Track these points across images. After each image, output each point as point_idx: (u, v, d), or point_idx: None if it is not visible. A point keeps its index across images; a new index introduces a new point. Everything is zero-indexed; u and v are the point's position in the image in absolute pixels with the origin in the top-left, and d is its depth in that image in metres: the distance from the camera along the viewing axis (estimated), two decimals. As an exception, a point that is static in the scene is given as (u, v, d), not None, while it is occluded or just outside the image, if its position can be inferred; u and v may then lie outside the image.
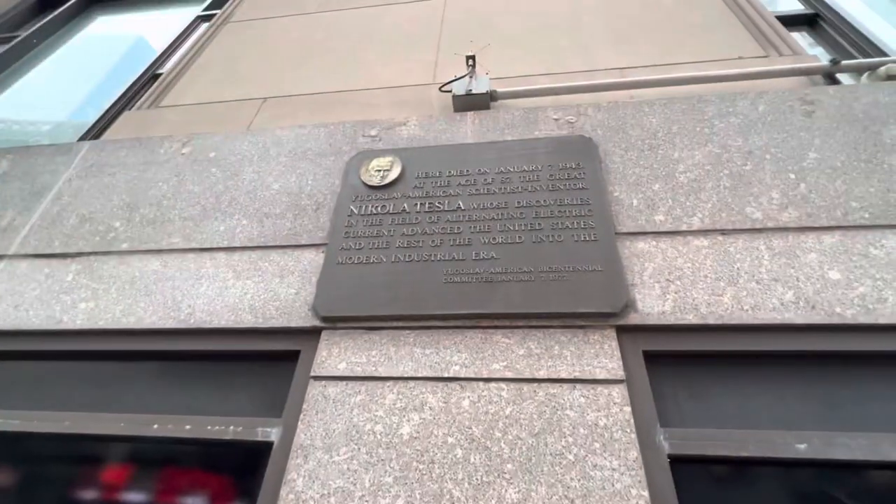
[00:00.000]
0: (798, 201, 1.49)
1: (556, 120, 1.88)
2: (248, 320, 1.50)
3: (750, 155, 1.63)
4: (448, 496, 1.09)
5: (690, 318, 1.30)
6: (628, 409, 1.16)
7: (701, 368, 1.29)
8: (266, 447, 1.28)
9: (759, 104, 1.77)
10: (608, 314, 1.31)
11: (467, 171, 1.73)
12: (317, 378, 1.33)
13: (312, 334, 1.45)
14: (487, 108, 2.04)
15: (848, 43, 2.33)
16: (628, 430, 1.13)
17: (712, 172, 1.61)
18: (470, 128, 1.92)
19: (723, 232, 1.47)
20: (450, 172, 1.74)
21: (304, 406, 1.29)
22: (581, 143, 1.74)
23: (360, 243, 1.59)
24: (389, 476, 1.14)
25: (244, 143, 2.07)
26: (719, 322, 1.28)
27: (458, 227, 1.58)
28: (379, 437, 1.21)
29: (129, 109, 2.68)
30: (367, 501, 1.11)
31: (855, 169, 1.54)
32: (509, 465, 1.12)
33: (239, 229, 1.76)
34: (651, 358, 1.28)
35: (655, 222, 1.52)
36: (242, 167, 1.98)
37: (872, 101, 1.70)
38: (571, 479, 1.08)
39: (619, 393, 1.20)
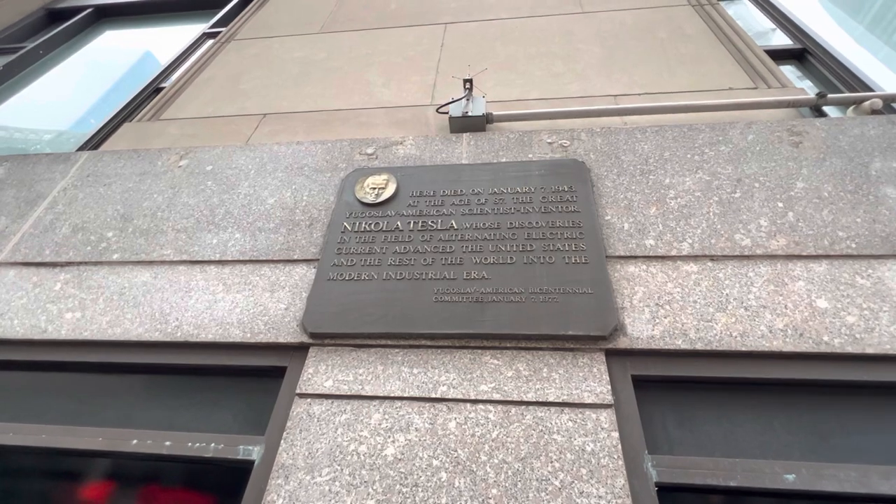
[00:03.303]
0: (786, 229, 1.51)
1: (549, 143, 1.91)
2: (235, 335, 1.49)
3: (739, 183, 1.66)
4: (431, 521, 1.06)
5: (679, 344, 1.30)
6: (616, 434, 1.15)
7: (689, 394, 1.28)
8: (247, 466, 1.25)
9: (749, 134, 1.81)
10: (597, 337, 1.31)
11: (461, 191, 1.75)
12: (302, 395, 1.31)
13: (300, 350, 1.44)
14: (483, 129, 2.08)
15: (834, 77, 2.40)
16: (616, 457, 1.12)
17: (702, 199, 1.63)
18: (465, 149, 1.95)
19: (712, 258, 1.48)
20: (444, 192, 1.76)
21: (288, 424, 1.26)
22: (574, 166, 1.77)
23: (352, 260, 1.59)
24: (372, 499, 1.11)
25: (241, 158, 2.09)
26: (708, 348, 1.28)
27: (451, 247, 1.58)
28: (363, 458, 1.18)
29: (130, 121, 2.71)
30: (347, 525, 1.08)
31: (841, 199, 1.57)
32: (494, 491, 1.09)
33: (231, 242, 1.76)
34: (640, 383, 1.28)
35: (646, 247, 1.53)
36: (238, 181, 1.99)
37: (858, 134, 1.75)
38: (557, 506, 1.06)
39: (606, 418, 1.18)
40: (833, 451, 1.15)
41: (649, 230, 1.57)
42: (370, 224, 1.69)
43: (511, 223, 1.62)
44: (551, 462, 1.12)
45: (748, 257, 1.46)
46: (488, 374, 1.30)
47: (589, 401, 1.21)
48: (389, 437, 1.21)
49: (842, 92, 2.22)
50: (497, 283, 1.46)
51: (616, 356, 1.31)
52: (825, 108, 2.06)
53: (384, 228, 1.67)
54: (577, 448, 1.14)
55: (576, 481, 1.09)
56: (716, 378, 1.26)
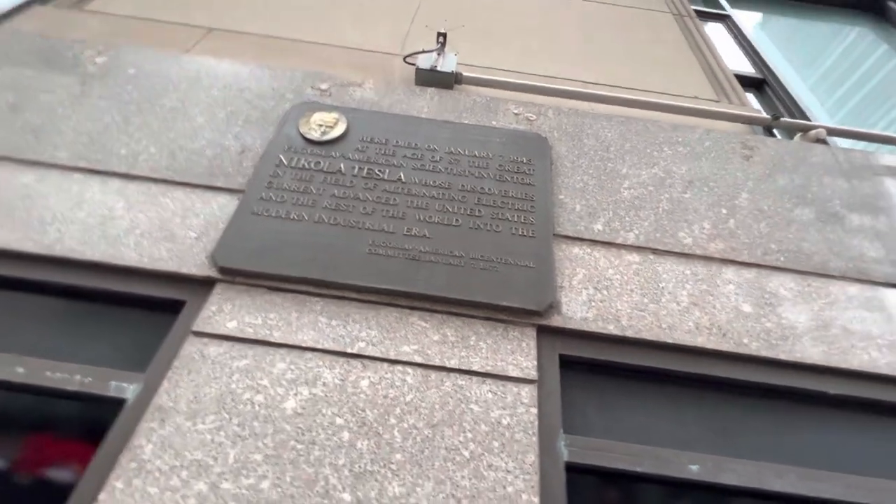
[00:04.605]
0: (725, 235, 1.54)
1: (516, 114, 1.83)
2: (130, 257, 1.28)
3: (690, 185, 1.67)
4: (323, 482, 0.96)
5: (611, 329, 1.27)
6: (535, 410, 1.10)
7: (612, 380, 1.26)
8: (117, 405, 1.07)
9: (706, 140, 1.83)
10: (532, 312, 1.25)
11: (416, 144, 1.62)
12: (198, 334, 1.15)
13: (204, 285, 1.26)
14: (450, 88, 1.95)
15: (784, 107, 2.51)
16: (530, 433, 1.07)
17: (654, 194, 1.62)
18: (428, 104, 1.82)
19: (655, 251, 1.47)
20: (397, 142, 1.62)
21: (175, 363, 1.10)
22: (537, 140, 1.70)
23: (282, 196, 1.42)
24: (259, 453, 0.98)
25: (174, 67, 1.82)
26: (637, 336, 1.26)
27: (395, 199, 1.46)
28: (258, 408, 1.05)
29: (43, 4, 2.29)
30: (225, 479, 0.95)
31: (778, 215, 1.62)
32: (398, 456, 1.01)
33: (144, 157, 1.52)
34: (566, 363, 1.24)
35: (593, 231, 1.49)
36: (165, 92, 1.73)
37: (802, 158, 1.82)
38: (462, 477, 0.99)
39: (528, 393, 1.13)
40: (736, 447, 1.18)
41: (599, 215, 1.54)
42: (310, 162, 1.52)
43: (463, 185, 1.52)
44: (464, 432, 1.05)
45: (688, 256, 1.47)
46: (413, 336, 1.20)
47: (513, 374, 1.16)
48: (292, 389, 1.08)
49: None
50: (438, 243, 1.36)
51: (547, 334, 1.26)
52: (776, 132, 2.14)
53: (325, 169, 1.51)
54: (493, 420, 1.08)
55: (486, 453, 1.02)
56: (640, 366, 1.25)
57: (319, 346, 1.16)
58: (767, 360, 1.27)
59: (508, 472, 1.01)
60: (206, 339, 1.14)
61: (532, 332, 1.24)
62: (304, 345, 1.16)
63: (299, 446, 1.00)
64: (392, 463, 1.00)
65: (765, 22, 3.89)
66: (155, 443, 0.98)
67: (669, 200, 1.61)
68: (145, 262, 1.28)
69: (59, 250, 1.28)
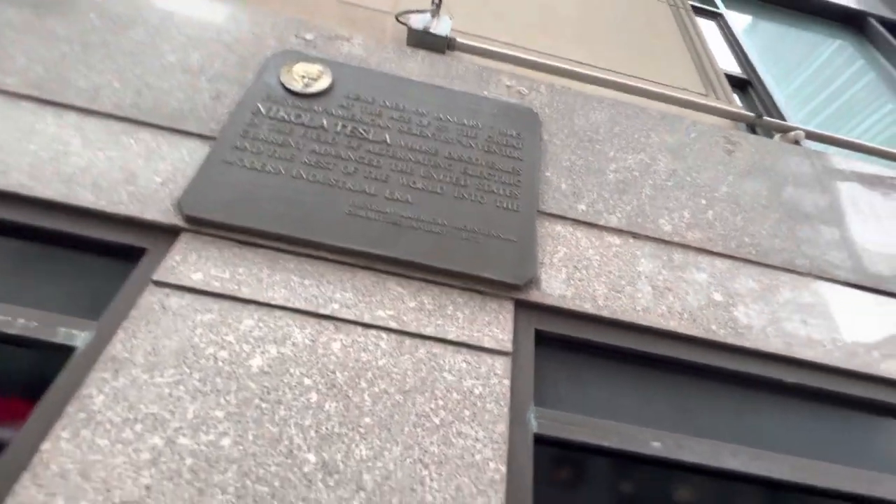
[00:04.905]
0: (703, 225, 1.56)
1: (508, 87, 1.78)
2: (86, 198, 1.18)
3: (674, 174, 1.68)
4: (287, 442, 0.93)
5: (588, 308, 1.28)
6: (507, 382, 1.10)
7: (585, 357, 1.27)
8: (65, 353, 1.00)
9: (693, 132, 1.84)
10: (511, 285, 1.24)
11: (404, 107, 1.56)
12: (159, 284, 1.08)
13: (168, 234, 1.18)
14: (442, 52, 1.88)
15: (764, 109, 2.56)
16: (502, 404, 1.06)
17: (639, 179, 1.63)
18: (418, 66, 1.75)
19: (635, 235, 1.48)
20: (385, 103, 1.55)
21: (133, 313, 1.03)
22: (528, 115, 1.66)
23: (258, 147, 1.34)
24: (221, 410, 0.94)
25: (144, -1, 1.66)
26: (612, 317, 1.28)
27: (379, 161, 1.40)
28: (221, 364, 1.00)
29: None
30: (183, 434, 0.90)
31: (754, 210, 1.66)
32: (367, 419, 0.98)
33: (107, 92, 1.39)
34: (542, 338, 1.24)
35: (577, 210, 1.49)
36: (134, 24, 1.58)
37: (781, 159, 1.86)
38: (431, 443, 0.98)
39: (502, 365, 1.12)
40: (696, 427, 1.22)
41: (584, 196, 1.53)
42: (291, 114, 1.44)
43: (450, 153, 1.47)
44: (436, 399, 1.04)
45: (666, 242, 1.49)
46: (389, 301, 1.17)
47: (488, 346, 1.15)
48: (260, 346, 1.04)
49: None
50: (421, 209, 1.32)
51: (525, 308, 1.25)
52: (758, 130, 2.18)
53: (306, 123, 1.43)
54: (466, 389, 1.07)
55: (456, 421, 1.02)
56: (612, 346, 1.27)
57: (290, 305, 1.11)
58: (733, 348, 1.31)
59: (478, 440, 1.00)
60: (167, 290, 1.07)
61: (510, 306, 1.23)
62: (274, 303, 1.10)
63: (264, 405, 0.96)
64: (360, 426, 0.97)
65: (754, 25, 3.94)
66: (107, 394, 0.92)
67: (653, 187, 1.62)
68: (103, 205, 1.18)
69: (4, 184, 1.16)
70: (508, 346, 1.16)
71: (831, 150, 2.14)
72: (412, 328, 1.13)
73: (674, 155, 1.74)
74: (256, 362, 1.02)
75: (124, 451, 0.86)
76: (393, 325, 1.13)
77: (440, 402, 1.04)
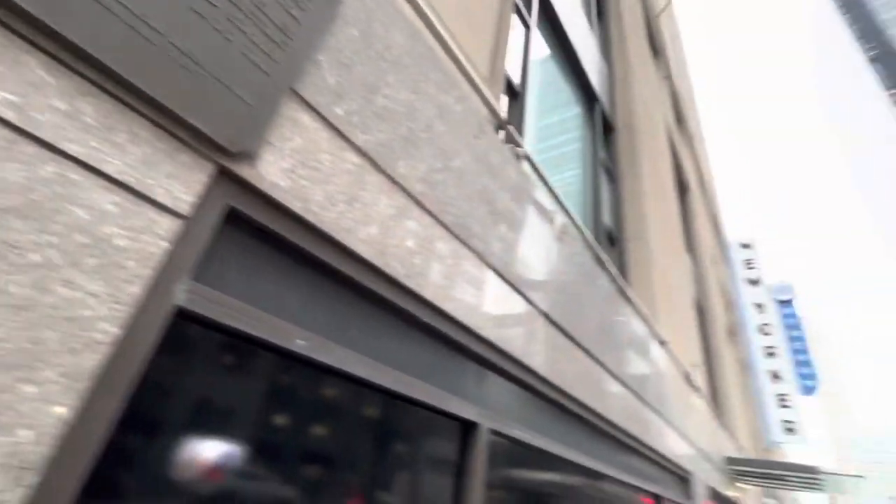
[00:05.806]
0: (430, 182, 1.76)
1: (324, -64, 1.49)
2: None
3: (430, 128, 1.82)
4: None
5: (296, 207, 1.24)
6: (165, 245, 0.95)
7: (270, 251, 1.24)
8: None
9: (460, 103, 2.03)
10: (219, 147, 1.06)
11: None
12: None
13: None
14: None
15: (515, 123, 3.11)
16: (147, 265, 0.91)
17: (401, 116, 1.68)
18: None
19: (374, 164, 1.53)
20: None
21: None
22: (329, -18, 1.43)
23: None
24: None
25: None
26: (315, 223, 1.28)
27: None
28: None
29: None
30: None
31: (469, 189, 1.98)
32: None
33: None
34: (232, 216, 1.13)
35: (332, 112, 1.41)
36: None
37: (506, 164, 2.29)
38: (17, 283, 0.74)
39: (167, 226, 0.96)
40: (346, 338, 1.39)
41: (346, 102, 1.46)
42: None
43: (212, -43, 1.12)
44: (45, 233, 0.79)
45: (395, 184, 1.60)
46: (20, 83, 0.80)
47: (160, 199, 0.95)
48: None
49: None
50: (153, 18, 0.95)
51: (227, 178, 1.11)
52: (500, 133, 2.62)
53: None
54: (100, 236, 0.86)
55: (68, 266, 0.81)
56: (301, 249, 1.28)
57: None
58: (401, 285, 1.55)
59: (92, 294, 0.83)
60: None
61: (209, 168, 1.06)
62: None
63: None
64: None
65: (544, 61, 4.70)
66: None
67: (409, 130, 1.70)
68: None
69: None
70: (186, 210, 1.00)
71: (538, 183, 2.79)
72: (47, 135, 0.82)
73: (439, 112, 1.87)
74: None
75: None
76: (11, 116, 0.78)
77: (52, 239, 0.79)
